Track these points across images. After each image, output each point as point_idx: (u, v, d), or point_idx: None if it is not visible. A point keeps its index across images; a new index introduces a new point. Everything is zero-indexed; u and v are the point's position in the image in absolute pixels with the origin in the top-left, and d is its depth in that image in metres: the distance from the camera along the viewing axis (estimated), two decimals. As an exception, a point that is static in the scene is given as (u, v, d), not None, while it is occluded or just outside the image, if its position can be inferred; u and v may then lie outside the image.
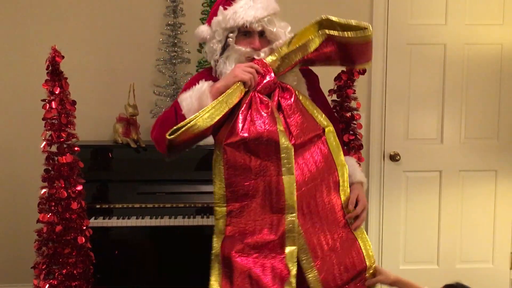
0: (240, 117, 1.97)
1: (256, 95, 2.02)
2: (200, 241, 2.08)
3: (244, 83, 1.99)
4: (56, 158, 2.99)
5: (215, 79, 2.10)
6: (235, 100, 1.98)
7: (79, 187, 3.02)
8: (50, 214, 2.96)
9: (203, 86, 2.02)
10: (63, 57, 2.90)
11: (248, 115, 1.99)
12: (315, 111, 2.13)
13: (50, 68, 2.91)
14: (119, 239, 3.47)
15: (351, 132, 3.14)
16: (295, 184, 1.98)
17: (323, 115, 2.15)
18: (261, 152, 1.98)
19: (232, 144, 1.97)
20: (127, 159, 3.51)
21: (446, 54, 3.90)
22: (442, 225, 4.02)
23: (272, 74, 2.03)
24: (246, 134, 1.96)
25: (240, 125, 1.96)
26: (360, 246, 2.14)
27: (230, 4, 2.07)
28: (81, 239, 3.00)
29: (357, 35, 2.03)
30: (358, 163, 3.14)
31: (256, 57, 2.06)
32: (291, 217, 1.97)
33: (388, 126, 3.95)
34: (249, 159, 1.98)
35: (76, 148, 3.04)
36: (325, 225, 2.06)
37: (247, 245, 1.97)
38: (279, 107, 2.05)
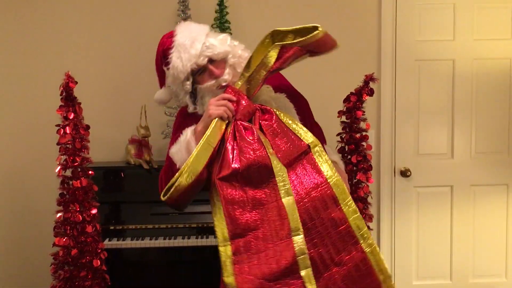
0: (228, 149, 1.95)
1: (238, 123, 1.99)
2: (214, 261, 2.06)
3: (221, 118, 1.98)
4: (71, 182, 3.03)
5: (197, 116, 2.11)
6: (217, 137, 1.96)
7: (94, 211, 3.06)
8: (65, 237, 3.00)
9: (187, 135, 2.04)
10: (76, 82, 2.94)
11: (235, 145, 1.96)
12: (297, 127, 2.06)
13: (64, 93, 2.96)
14: (133, 259, 3.49)
15: (360, 153, 3.15)
16: (295, 204, 1.92)
17: (307, 131, 2.06)
18: (255, 180, 1.95)
19: (225, 178, 1.93)
20: (140, 180, 3.53)
21: (455, 69, 3.92)
22: (454, 240, 4.02)
23: (246, 97, 2.01)
24: (237, 165, 1.93)
25: (230, 157, 1.93)
26: (371, 263, 1.97)
27: (167, 63, 2.10)
28: (97, 262, 3.03)
29: (308, 37, 2.03)
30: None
31: (223, 83, 2.06)
32: (298, 239, 1.91)
33: (398, 142, 3.97)
34: (244, 190, 1.94)
35: (90, 172, 3.08)
36: (326, 240, 1.95)
37: (265, 279, 1.91)
38: (262, 130, 2.02)
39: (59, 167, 3.02)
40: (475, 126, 3.97)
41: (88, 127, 3.06)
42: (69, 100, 2.98)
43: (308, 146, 2.02)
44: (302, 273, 1.92)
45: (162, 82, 2.21)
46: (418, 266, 4.04)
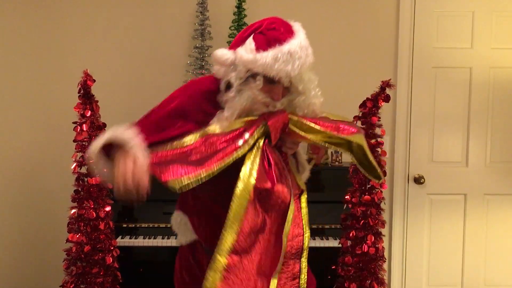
0: (271, 164, 1.84)
1: (271, 150, 1.87)
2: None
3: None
4: (86, 179, 3.06)
5: (217, 105, 1.87)
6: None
7: (108, 208, 3.08)
8: (79, 234, 3.03)
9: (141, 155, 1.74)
10: (94, 80, 2.97)
11: (274, 166, 1.85)
12: (295, 170, 2.06)
13: (82, 91, 3.00)
14: (144, 258, 3.51)
15: (375, 159, 3.14)
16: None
17: (301, 179, 2.06)
18: (273, 206, 1.85)
19: (260, 191, 1.80)
20: (153, 178, 3.54)
21: (472, 77, 3.90)
22: (466, 248, 4.00)
23: (288, 122, 1.89)
24: (270, 186, 1.82)
25: (273, 176, 1.83)
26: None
27: (265, 48, 1.77)
28: (109, 259, 3.06)
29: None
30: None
31: (271, 108, 1.84)
32: (274, 283, 1.89)
33: (412, 148, 3.96)
34: (260, 211, 1.83)
35: (104, 170, 3.10)
36: None
37: None
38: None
39: (74, 164, 3.05)
40: (490, 135, 3.94)
41: (104, 125, 3.09)
42: (86, 98, 3.01)
43: (302, 191, 2.02)
44: None
45: (235, 45, 1.87)
46: (429, 273, 4.02)
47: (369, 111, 3.13)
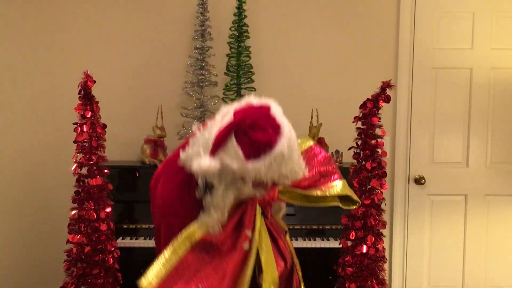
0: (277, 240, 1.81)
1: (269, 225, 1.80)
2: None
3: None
4: (86, 180, 3.05)
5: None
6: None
7: (108, 209, 3.08)
8: (79, 235, 3.03)
9: None
10: (94, 81, 2.97)
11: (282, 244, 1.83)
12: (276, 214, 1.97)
13: (82, 92, 2.99)
14: (145, 259, 3.48)
15: (375, 160, 3.14)
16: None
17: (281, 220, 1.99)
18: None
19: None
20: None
21: (472, 78, 3.90)
22: (467, 249, 4.00)
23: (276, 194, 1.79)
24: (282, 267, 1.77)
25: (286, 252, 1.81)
26: None
27: (255, 155, 1.54)
28: (109, 260, 3.06)
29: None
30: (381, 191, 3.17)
31: (258, 196, 1.66)
32: None
33: (413, 149, 3.96)
34: None
35: (105, 171, 3.11)
36: None
37: None
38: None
39: (75, 165, 3.05)
40: (491, 136, 3.94)
41: (105, 126, 3.09)
42: (87, 99, 3.01)
43: (286, 232, 1.97)
44: None
45: (214, 150, 1.56)
46: (430, 274, 4.02)
47: (369, 111, 3.12)
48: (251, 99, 1.64)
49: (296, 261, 1.95)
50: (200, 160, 1.55)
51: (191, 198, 1.66)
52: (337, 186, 1.93)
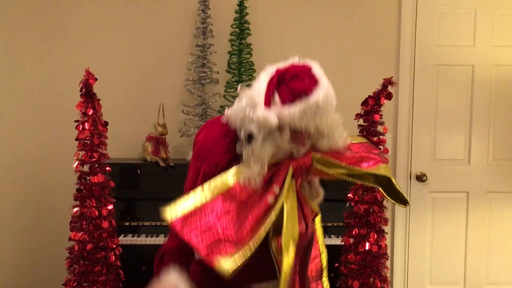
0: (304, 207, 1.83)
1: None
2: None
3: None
4: (88, 178, 3.06)
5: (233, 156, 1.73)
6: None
7: (110, 206, 3.08)
8: (81, 232, 3.03)
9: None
10: (96, 79, 2.97)
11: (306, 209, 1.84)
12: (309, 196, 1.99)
13: (84, 90, 2.99)
14: (146, 257, 3.50)
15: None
16: None
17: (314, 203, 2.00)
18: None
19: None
20: (156, 177, 3.55)
21: (474, 75, 3.90)
22: (469, 246, 4.00)
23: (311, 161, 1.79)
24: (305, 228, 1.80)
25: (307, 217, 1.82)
26: None
27: (291, 100, 1.63)
28: (111, 258, 3.06)
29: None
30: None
31: (296, 155, 1.72)
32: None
33: (415, 146, 3.95)
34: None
35: (107, 168, 3.11)
36: None
37: None
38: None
39: (76, 163, 3.05)
40: (493, 133, 3.94)
41: (106, 123, 3.09)
42: (88, 96, 3.01)
43: (316, 214, 1.98)
44: None
45: (269, 101, 1.66)
46: (431, 271, 4.02)
47: (371, 108, 3.13)
48: (295, 59, 1.75)
49: (322, 249, 1.99)
50: (258, 110, 1.63)
51: (229, 146, 1.73)
52: (381, 167, 1.90)
